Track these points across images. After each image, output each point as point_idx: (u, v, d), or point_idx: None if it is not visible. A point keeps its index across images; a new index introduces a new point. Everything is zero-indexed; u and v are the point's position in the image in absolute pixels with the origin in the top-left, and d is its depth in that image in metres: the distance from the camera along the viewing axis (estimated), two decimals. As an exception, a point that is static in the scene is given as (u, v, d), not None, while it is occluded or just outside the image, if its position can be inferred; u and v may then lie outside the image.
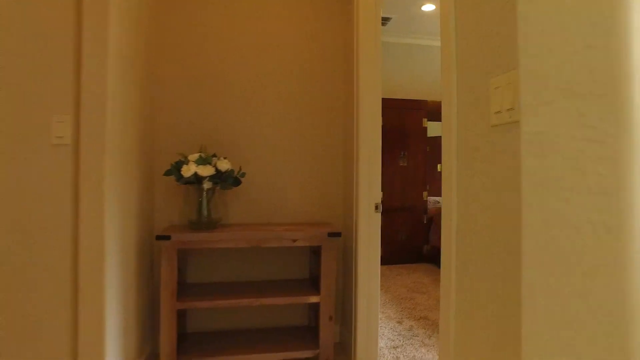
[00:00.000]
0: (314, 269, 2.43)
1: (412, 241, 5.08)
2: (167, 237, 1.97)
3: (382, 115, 3.60)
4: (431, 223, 5.14)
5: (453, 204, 1.19)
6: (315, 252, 2.40)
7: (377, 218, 2.28)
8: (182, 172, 2.06)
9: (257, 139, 2.50)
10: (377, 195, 2.25)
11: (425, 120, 5.09)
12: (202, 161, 2.09)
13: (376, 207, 2.25)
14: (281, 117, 2.54)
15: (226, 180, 2.17)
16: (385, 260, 4.94)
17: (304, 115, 2.58)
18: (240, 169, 2.26)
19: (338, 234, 2.19)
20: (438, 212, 5.16)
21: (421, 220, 5.12)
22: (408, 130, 5.04)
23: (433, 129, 7.58)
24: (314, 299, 2.17)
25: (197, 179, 2.09)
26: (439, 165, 8.07)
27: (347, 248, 2.49)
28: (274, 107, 2.54)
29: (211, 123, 2.43)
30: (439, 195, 6.88)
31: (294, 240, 2.15)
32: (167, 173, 2.10)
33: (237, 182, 2.22)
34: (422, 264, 5.00)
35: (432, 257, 5.02)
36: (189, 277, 2.38)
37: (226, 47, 2.46)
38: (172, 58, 2.38)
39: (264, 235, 2.10)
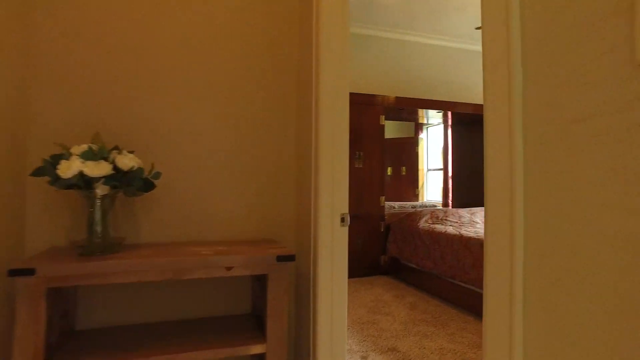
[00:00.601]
0: (258, 301, 1.82)
1: (369, 252, 4.60)
2: (29, 272, 1.28)
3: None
4: (388, 231, 4.70)
5: (516, 224, 0.66)
6: (259, 279, 1.80)
7: (343, 233, 1.73)
8: (58, 172, 1.38)
9: (184, 133, 1.86)
10: (343, 205, 1.70)
11: (382, 117, 4.65)
12: (91, 155, 1.42)
13: (342, 220, 1.70)
14: (214, 105, 1.92)
15: (131, 183, 1.51)
16: (340, 273, 4.42)
17: (248, 107, 1.98)
18: (152, 167, 1.61)
19: (291, 257, 1.61)
20: (397, 218, 4.74)
21: (378, 228, 4.66)
22: (364, 127, 4.57)
23: (388, 129, 7.22)
24: (257, 349, 1.56)
25: (84, 182, 1.42)
26: (389, 169, 7.75)
27: (302, 275, 1.91)
28: (209, 93, 1.91)
29: (115, 107, 1.75)
30: (395, 200, 6.50)
31: (229, 269, 1.54)
32: (37, 172, 1.41)
33: (148, 186, 1.57)
34: (380, 277, 4.54)
35: (390, 269, 4.57)
36: (80, 321, 1.68)
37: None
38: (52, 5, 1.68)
39: (185, 264, 1.47)
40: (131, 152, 1.58)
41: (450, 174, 6.11)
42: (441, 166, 6.98)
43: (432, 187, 7.64)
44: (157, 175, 1.59)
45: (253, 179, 1.98)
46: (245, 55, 1.98)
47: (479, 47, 5.66)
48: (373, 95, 4.63)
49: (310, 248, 1.75)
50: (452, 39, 5.44)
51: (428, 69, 5.42)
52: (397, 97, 4.74)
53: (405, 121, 6.18)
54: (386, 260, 4.63)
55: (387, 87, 5.11)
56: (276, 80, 2.04)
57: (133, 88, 1.78)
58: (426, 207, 6.10)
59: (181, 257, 1.47)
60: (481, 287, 3.08)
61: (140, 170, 1.53)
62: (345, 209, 1.70)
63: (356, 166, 4.54)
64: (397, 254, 4.43)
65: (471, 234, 3.52)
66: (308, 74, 1.88)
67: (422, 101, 4.90)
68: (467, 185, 5.85)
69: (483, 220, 4.11)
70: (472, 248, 3.30)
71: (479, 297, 3.14)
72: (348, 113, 1.80)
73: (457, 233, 3.65)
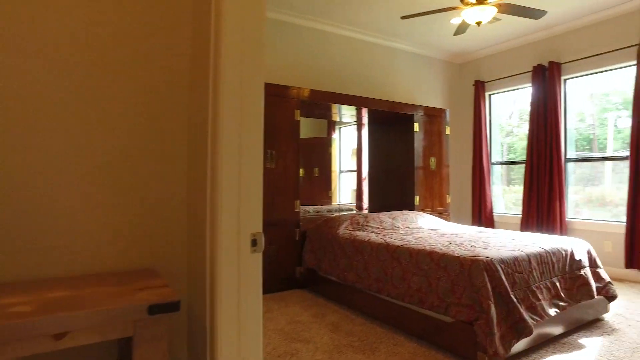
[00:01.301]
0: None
1: (283, 263, 4.07)
2: None
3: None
4: (305, 240, 4.21)
5: None
6: (127, 340, 1.15)
7: (255, 262, 1.17)
8: None
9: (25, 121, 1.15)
10: (255, 222, 1.14)
11: (297, 112, 4.15)
12: None
13: (254, 243, 1.14)
14: (72, 78, 1.23)
15: None
16: (250, 291, 3.80)
17: (116, 84, 1.32)
18: None
19: (172, 307, 1.01)
20: (313, 225, 4.27)
21: (293, 236, 4.15)
22: (277, 123, 4.03)
23: (303, 128, 6.75)
24: None
25: None
26: (301, 170, 7.31)
27: (196, 319, 1.30)
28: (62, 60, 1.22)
29: None
30: (309, 203, 6.04)
31: (60, 337, 0.89)
32: None
33: None
34: (295, 291, 4.02)
35: (307, 282, 4.08)
36: None
37: None
38: None
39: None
40: None
41: (364, 175, 5.85)
42: (354, 167, 6.75)
43: (345, 190, 7.40)
44: None
45: (128, 189, 1.32)
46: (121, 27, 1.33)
47: (399, 44, 5.47)
48: (287, 87, 4.11)
49: (206, 285, 1.16)
50: (372, 34, 5.17)
51: (345, 62, 5.07)
52: (313, 90, 4.29)
53: (319, 118, 5.78)
54: (302, 272, 4.13)
55: (301, 79, 4.64)
56: (164, 58, 1.41)
57: None
58: (342, 210, 5.75)
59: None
60: (412, 302, 2.73)
61: None
62: (257, 227, 1.14)
63: (268, 166, 3.98)
64: (314, 265, 3.95)
65: (398, 242, 3.17)
66: (204, 58, 1.29)
67: (340, 96, 4.51)
68: (383, 188, 5.62)
69: (406, 226, 3.81)
70: (401, 258, 2.94)
71: (409, 314, 2.79)
72: (262, 107, 1.28)
73: (383, 241, 3.28)
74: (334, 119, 6.07)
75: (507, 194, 5.97)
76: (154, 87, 1.40)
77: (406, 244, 3.05)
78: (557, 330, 2.68)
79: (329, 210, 5.66)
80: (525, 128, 5.80)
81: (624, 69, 4.50)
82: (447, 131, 5.37)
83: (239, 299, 1.09)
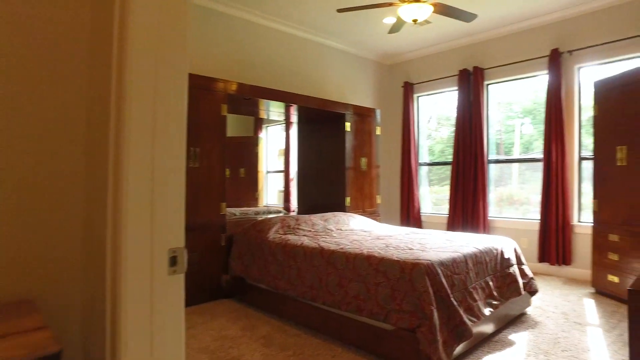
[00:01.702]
0: None
1: (207, 271, 3.71)
2: None
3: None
4: (231, 245, 3.89)
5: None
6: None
7: (175, 286, 0.90)
8: None
9: None
10: (175, 235, 0.87)
11: (224, 107, 3.82)
12: None
13: (172, 262, 0.87)
14: None
15: None
16: (170, 304, 3.40)
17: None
18: None
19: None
20: (240, 229, 3.96)
21: (218, 241, 3.81)
22: (202, 118, 3.67)
23: (229, 127, 6.36)
24: None
25: None
26: (227, 171, 6.93)
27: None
28: None
29: None
30: (235, 205, 5.67)
31: None
32: None
33: None
34: (222, 302, 3.69)
35: (235, 291, 3.77)
36: None
37: None
38: None
39: None
40: None
41: (292, 176, 5.66)
42: (282, 168, 6.55)
43: (272, 191, 7.19)
44: None
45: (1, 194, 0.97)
46: None
47: (331, 42, 5.34)
48: (214, 79, 3.76)
49: (106, 322, 0.86)
50: (305, 29, 4.97)
51: (276, 57, 4.82)
52: (241, 84, 3.98)
53: (246, 115, 5.46)
54: (229, 280, 3.81)
55: (229, 72, 4.31)
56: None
57: None
58: (271, 212, 5.49)
59: None
60: (349, 310, 2.57)
61: None
62: (178, 240, 0.88)
63: (191, 166, 3.60)
64: (242, 273, 3.66)
65: (333, 246, 3.00)
66: (106, 34, 0.99)
67: (269, 91, 4.25)
68: (312, 188, 5.47)
69: (338, 228, 3.66)
70: (337, 263, 2.77)
71: (347, 323, 2.63)
72: (184, 99, 1.02)
73: (317, 245, 3.09)
74: (261, 116, 5.79)
75: (428, 194, 6.15)
76: (39, 71, 1.06)
77: (342, 248, 2.89)
78: (489, 328, 2.70)
79: (257, 213, 5.38)
80: (442, 132, 6.06)
81: (534, 79, 4.82)
82: (378, 131, 5.36)
83: (152, 339, 0.81)
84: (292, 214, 5.45)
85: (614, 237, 3.60)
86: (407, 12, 3.13)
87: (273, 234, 3.64)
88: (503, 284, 2.85)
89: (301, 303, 2.99)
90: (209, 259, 3.73)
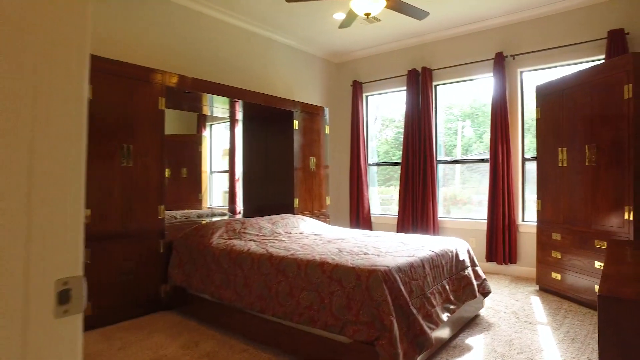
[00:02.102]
0: None
1: (144, 281, 3.35)
2: None
3: (89, 83, 1.83)
4: (171, 252, 3.54)
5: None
6: None
7: (71, 333, 0.64)
8: None
9: None
10: (69, 259, 0.62)
11: (162, 100, 3.47)
12: None
13: (63, 298, 0.61)
14: None
15: None
16: (97, 321, 3.01)
17: None
18: None
19: None
20: (181, 234, 3.62)
21: (156, 248, 3.46)
22: (136, 112, 3.30)
23: (169, 124, 5.92)
24: None
25: None
26: (167, 171, 6.46)
27: None
28: None
29: None
30: (176, 208, 5.27)
31: None
32: None
33: None
34: (161, 315, 3.33)
35: (175, 302, 3.43)
36: None
37: None
38: None
39: None
40: None
41: (237, 176, 5.37)
42: (227, 168, 6.24)
43: (216, 192, 6.83)
44: None
45: None
46: None
47: (279, 36, 5.10)
48: (151, 70, 3.40)
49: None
50: (252, 21, 4.70)
51: (220, 50, 4.51)
52: (182, 77, 3.65)
53: (188, 111, 5.08)
54: (168, 290, 3.46)
55: (168, 64, 3.95)
56: None
57: None
58: (215, 214, 5.16)
59: None
60: (302, 322, 2.36)
61: None
62: (73, 268, 0.62)
63: (123, 165, 3.22)
64: (183, 282, 3.33)
65: (283, 252, 2.78)
66: None
67: (214, 85, 3.95)
68: (259, 189, 5.21)
69: (287, 231, 3.44)
70: (287, 271, 2.56)
71: (300, 336, 2.42)
72: (84, 83, 0.77)
73: (265, 251, 2.86)
74: (205, 113, 5.43)
75: (377, 195, 6.12)
76: None
77: (292, 254, 2.68)
78: (446, 333, 2.61)
79: (200, 215, 5.03)
80: (387, 133, 6.07)
81: (476, 83, 4.90)
82: (327, 130, 5.21)
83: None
84: (238, 216, 5.16)
85: (556, 236, 3.70)
86: (359, 5, 2.99)
87: (217, 239, 3.35)
88: (459, 287, 2.79)
89: (249, 315, 2.74)
90: (146, 268, 3.36)
